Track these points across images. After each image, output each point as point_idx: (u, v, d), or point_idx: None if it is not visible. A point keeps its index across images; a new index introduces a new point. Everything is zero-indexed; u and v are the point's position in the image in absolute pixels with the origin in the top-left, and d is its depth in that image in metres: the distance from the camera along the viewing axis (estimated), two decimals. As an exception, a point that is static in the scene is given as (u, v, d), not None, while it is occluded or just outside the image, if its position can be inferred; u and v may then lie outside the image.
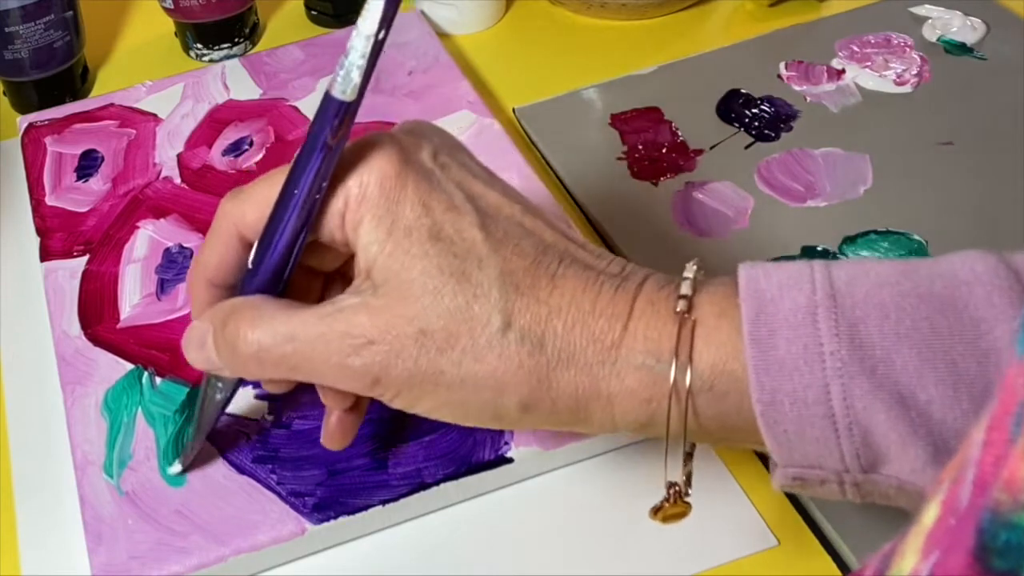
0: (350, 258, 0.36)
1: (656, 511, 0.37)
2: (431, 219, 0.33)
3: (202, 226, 0.53)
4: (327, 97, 0.33)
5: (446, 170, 0.35)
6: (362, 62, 0.32)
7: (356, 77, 0.32)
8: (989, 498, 0.19)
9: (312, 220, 0.34)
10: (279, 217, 0.34)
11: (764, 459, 0.43)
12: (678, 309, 0.33)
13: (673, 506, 0.37)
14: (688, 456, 0.35)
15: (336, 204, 0.34)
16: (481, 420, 0.34)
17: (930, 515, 0.21)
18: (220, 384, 0.39)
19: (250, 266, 0.36)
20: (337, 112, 0.32)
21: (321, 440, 0.39)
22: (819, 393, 0.30)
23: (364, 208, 0.33)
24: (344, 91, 0.32)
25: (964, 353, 0.30)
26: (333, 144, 0.33)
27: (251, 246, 0.36)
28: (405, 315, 0.33)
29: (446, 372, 0.33)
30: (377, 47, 0.32)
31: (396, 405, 0.34)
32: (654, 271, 0.35)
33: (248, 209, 0.35)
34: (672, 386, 0.32)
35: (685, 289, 0.33)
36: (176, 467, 0.42)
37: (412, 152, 0.34)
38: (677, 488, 0.36)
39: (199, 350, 0.36)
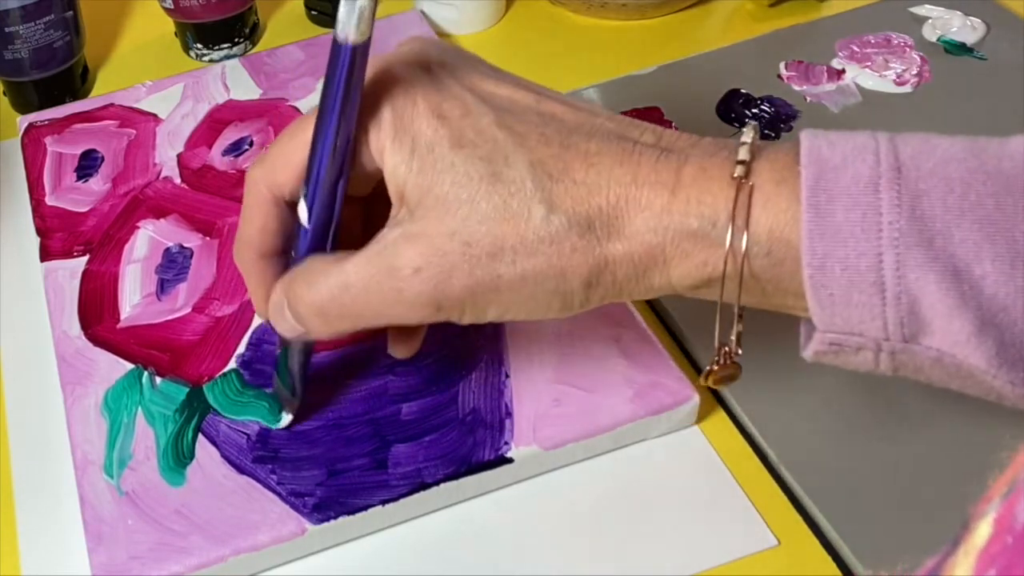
0: (382, 179, 0.36)
1: (707, 375, 0.37)
2: (449, 129, 0.33)
3: (202, 226, 0.53)
4: (333, 43, 0.33)
5: (453, 75, 0.35)
6: (364, 2, 0.32)
7: (354, 19, 0.32)
8: None
9: (347, 164, 0.35)
10: (316, 169, 0.35)
11: (765, 459, 0.43)
12: (735, 174, 0.32)
13: (723, 368, 0.37)
14: (738, 317, 0.35)
15: (361, 141, 0.34)
16: (550, 310, 0.34)
17: (982, 533, 0.21)
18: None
19: (304, 224, 0.36)
20: (344, 55, 0.33)
21: (389, 350, 0.41)
22: (872, 261, 0.31)
23: (383, 135, 0.34)
24: (346, 36, 0.33)
25: None
26: (350, 85, 0.33)
27: (285, 205, 0.37)
28: (445, 231, 0.33)
29: (504, 275, 0.33)
30: None
31: (467, 321, 0.35)
32: (699, 139, 0.35)
33: (276, 171, 0.36)
34: (728, 250, 0.32)
35: (743, 155, 0.33)
36: (286, 419, 0.43)
37: (413, 67, 0.35)
38: (728, 349, 0.36)
39: (282, 320, 0.37)
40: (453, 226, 0.33)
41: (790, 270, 0.32)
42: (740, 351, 0.36)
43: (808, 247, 0.31)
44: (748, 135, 0.34)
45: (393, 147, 0.34)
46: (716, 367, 0.37)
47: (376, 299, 0.34)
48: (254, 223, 0.37)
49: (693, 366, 0.47)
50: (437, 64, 0.35)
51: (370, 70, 0.34)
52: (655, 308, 0.49)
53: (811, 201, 0.31)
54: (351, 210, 0.39)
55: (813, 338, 0.33)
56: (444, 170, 0.33)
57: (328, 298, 0.35)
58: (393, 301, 0.34)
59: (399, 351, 0.41)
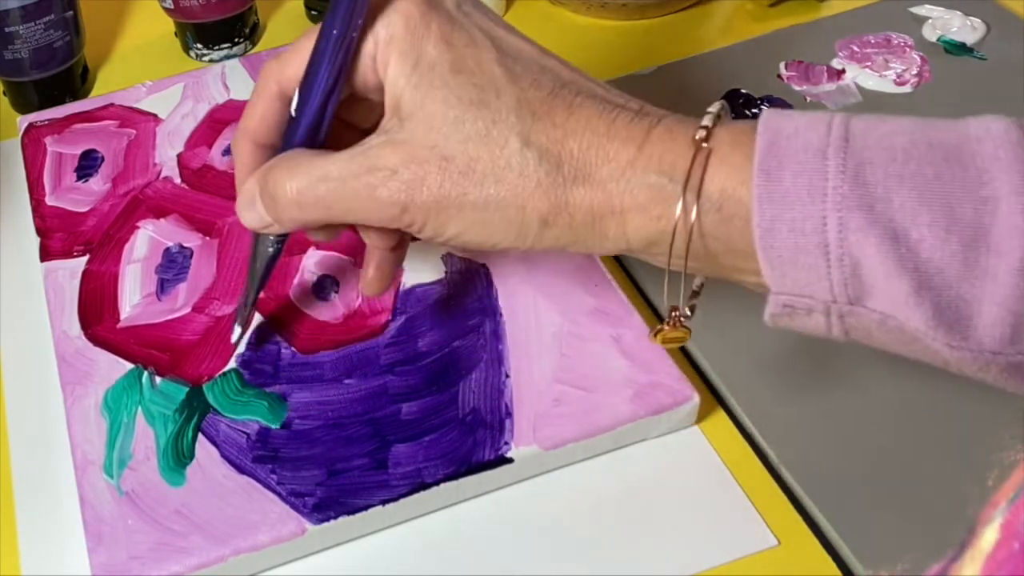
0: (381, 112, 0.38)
1: (656, 333, 0.39)
2: (452, 54, 0.36)
3: (202, 226, 0.53)
4: None
5: (469, 16, 0.37)
6: None
7: None
8: None
9: (347, 66, 0.37)
10: (316, 65, 0.37)
11: (765, 459, 0.43)
12: (696, 137, 0.35)
13: (673, 329, 0.39)
14: (695, 293, 0.38)
15: (367, 48, 0.37)
16: (506, 238, 0.37)
17: (988, 539, 0.21)
18: (271, 238, 0.42)
19: (292, 113, 0.38)
20: None
21: (360, 287, 0.43)
22: (816, 224, 0.32)
23: (391, 47, 0.36)
24: None
25: (962, 198, 0.31)
26: None
27: (288, 102, 0.39)
28: (427, 143, 0.36)
29: (470, 193, 0.35)
30: None
31: (426, 234, 0.37)
32: (673, 113, 0.37)
33: (287, 65, 0.39)
34: (682, 206, 0.34)
35: (706, 121, 0.35)
36: (237, 332, 0.45)
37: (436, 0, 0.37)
38: (678, 313, 0.39)
39: (250, 209, 0.39)
40: (436, 140, 0.35)
41: (739, 228, 0.34)
42: (690, 314, 0.39)
43: (758, 209, 0.33)
44: (715, 107, 0.36)
45: (398, 60, 0.36)
46: (667, 327, 0.39)
47: (350, 193, 0.36)
48: (256, 111, 0.40)
49: (690, 362, 0.47)
50: (456, 3, 0.38)
51: None
52: (653, 306, 0.49)
53: (762, 166, 0.33)
54: (349, 137, 0.40)
55: (768, 303, 0.34)
56: (439, 88, 0.36)
57: (306, 187, 0.37)
58: (366, 197, 0.36)
59: (371, 287, 0.43)
